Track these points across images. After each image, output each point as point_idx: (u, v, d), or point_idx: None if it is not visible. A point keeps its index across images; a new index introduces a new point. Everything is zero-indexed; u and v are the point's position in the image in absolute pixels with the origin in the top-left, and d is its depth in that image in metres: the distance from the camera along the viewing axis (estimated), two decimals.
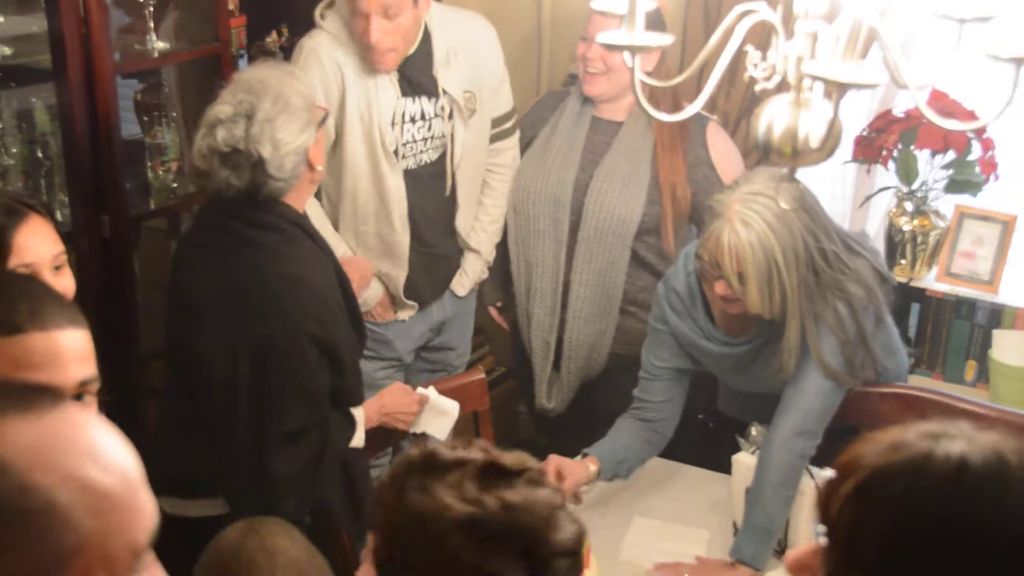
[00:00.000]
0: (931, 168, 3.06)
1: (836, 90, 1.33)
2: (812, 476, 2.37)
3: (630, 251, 2.93)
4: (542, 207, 2.99)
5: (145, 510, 0.87)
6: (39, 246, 1.89)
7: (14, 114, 2.81)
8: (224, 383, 2.25)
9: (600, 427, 2.61)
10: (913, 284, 3.16)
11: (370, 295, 2.97)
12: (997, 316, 3.13)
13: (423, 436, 2.58)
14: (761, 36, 1.40)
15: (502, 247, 3.15)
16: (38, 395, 0.88)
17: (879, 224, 3.29)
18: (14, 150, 2.78)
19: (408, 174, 2.89)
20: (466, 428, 2.77)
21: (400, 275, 2.99)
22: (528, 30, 3.70)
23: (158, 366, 2.79)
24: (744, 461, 2.43)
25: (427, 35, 2.84)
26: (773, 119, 1.42)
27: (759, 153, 1.45)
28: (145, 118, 3.04)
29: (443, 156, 2.95)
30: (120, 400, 2.72)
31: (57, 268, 1.92)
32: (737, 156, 3.00)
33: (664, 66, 2.88)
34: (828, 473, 1.03)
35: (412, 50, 2.83)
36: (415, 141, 2.88)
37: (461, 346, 3.29)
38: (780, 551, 2.38)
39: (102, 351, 1.41)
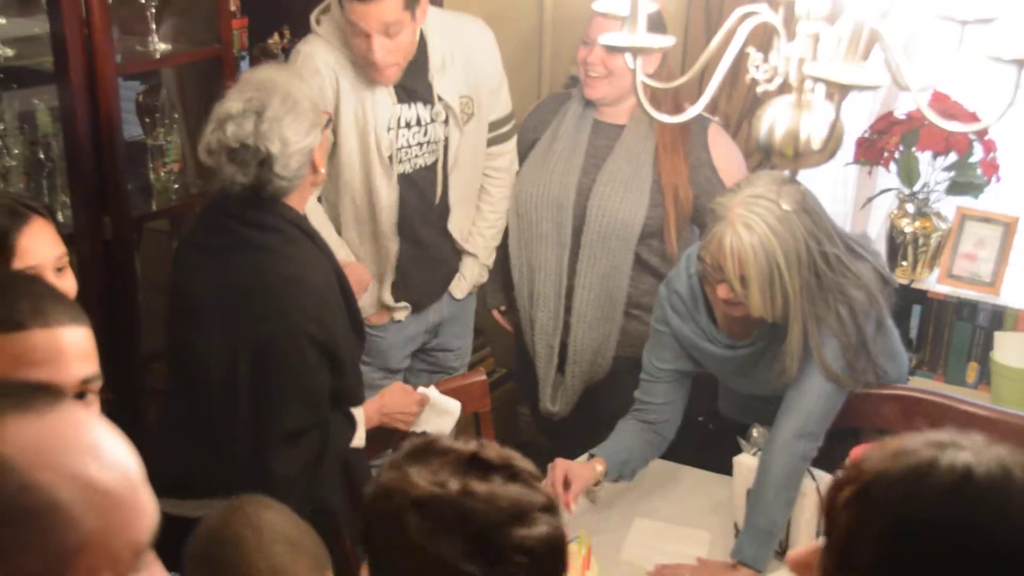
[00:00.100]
0: (933, 170, 3.05)
1: (838, 92, 1.33)
2: (813, 478, 2.37)
3: (633, 255, 2.92)
4: (545, 211, 2.98)
5: (146, 509, 0.88)
6: (42, 248, 1.89)
7: (16, 115, 2.82)
8: (224, 383, 2.26)
9: (603, 430, 2.61)
10: (914, 286, 3.15)
11: (366, 301, 2.96)
12: (999, 318, 3.12)
13: (424, 436, 2.58)
14: (763, 38, 1.41)
15: (503, 250, 3.15)
16: (39, 394, 0.88)
17: (880, 226, 3.29)
18: (16, 151, 2.78)
19: (404, 178, 2.89)
20: (467, 429, 2.77)
21: (387, 280, 2.99)
22: (529, 32, 3.70)
23: (159, 367, 2.79)
24: (745, 463, 2.43)
25: (423, 42, 2.84)
26: (775, 121, 1.42)
27: (761, 155, 1.46)
28: (147, 119, 3.05)
29: (439, 160, 2.95)
30: (121, 401, 2.72)
31: (59, 270, 1.92)
32: (739, 158, 3.00)
33: (665, 68, 2.88)
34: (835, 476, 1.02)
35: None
36: (410, 146, 2.88)
37: (460, 348, 3.28)
38: (781, 553, 2.38)
39: (104, 352, 1.41)
